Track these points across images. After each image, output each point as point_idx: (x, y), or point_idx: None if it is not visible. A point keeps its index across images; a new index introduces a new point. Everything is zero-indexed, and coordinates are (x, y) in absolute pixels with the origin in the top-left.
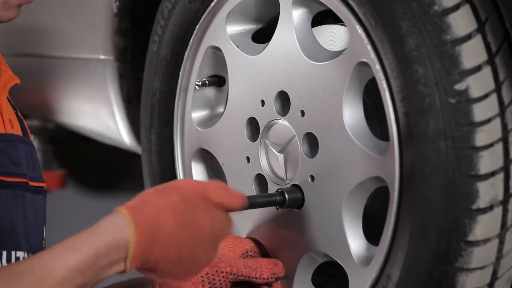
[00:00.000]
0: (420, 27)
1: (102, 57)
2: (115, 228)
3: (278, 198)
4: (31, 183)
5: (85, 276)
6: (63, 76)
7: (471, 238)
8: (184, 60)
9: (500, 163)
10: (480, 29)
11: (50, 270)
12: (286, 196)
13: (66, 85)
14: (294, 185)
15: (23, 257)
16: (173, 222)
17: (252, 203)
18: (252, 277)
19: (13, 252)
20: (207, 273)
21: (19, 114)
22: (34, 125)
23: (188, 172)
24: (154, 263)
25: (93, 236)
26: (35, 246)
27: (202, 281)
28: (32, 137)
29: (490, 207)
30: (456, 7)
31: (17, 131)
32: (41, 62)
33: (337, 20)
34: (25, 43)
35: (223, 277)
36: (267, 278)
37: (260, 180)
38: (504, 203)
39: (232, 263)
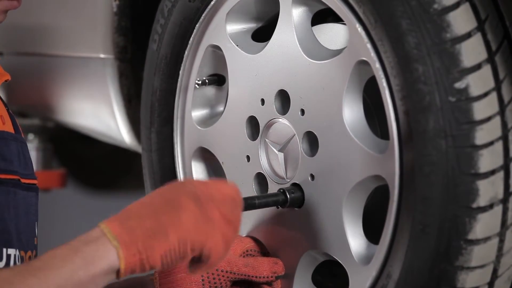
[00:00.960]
0: (420, 25)
1: (102, 55)
2: (108, 265)
3: (280, 198)
4: (23, 180)
5: (67, 260)
6: (63, 75)
7: (471, 236)
8: (184, 59)
9: (500, 161)
10: (480, 28)
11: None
12: (288, 196)
13: (66, 83)
14: (294, 184)
15: (15, 255)
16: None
17: (253, 204)
18: (252, 276)
19: (4, 249)
20: (207, 272)
21: (10, 111)
22: (34, 124)
23: (188, 171)
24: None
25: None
26: (26, 244)
27: (202, 280)
28: (23, 135)
29: (490, 206)
30: (456, 6)
31: (9, 128)
32: (41, 61)
33: (336, 19)
34: (26, 42)
35: (223, 276)
36: (267, 277)
37: (260, 179)
38: (504, 201)
39: (232, 262)
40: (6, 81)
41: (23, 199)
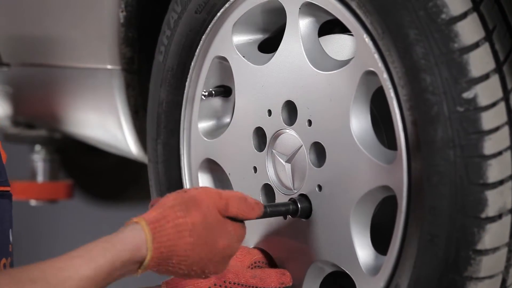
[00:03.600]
0: (428, 35)
1: (109, 67)
2: (134, 243)
3: (291, 207)
4: None
5: (97, 284)
6: (70, 86)
7: (480, 247)
8: (191, 70)
9: (508, 171)
10: (488, 38)
11: (64, 278)
12: (299, 206)
13: (73, 95)
14: (302, 195)
15: None
16: (190, 242)
17: (266, 213)
18: None
19: None
20: (215, 284)
21: None
22: (41, 135)
23: (194, 182)
24: (163, 271)
25: (111, 249)
26: (0, 250)
27: None
28: (1, 146)
29: (499, 216)
30: (463, 16)
31: None
32: (49, 72)
33: (343, 30)
34: (33, 53)
35: (231, 287)
36: None
37: (267, 190)
38: None
39: (239, 273)
40: None
41: None
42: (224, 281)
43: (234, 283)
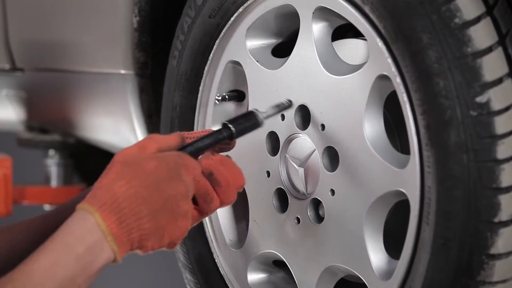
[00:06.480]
0: (441, 39)
1: (122, 71)
2: (86, 231)
3: (225, 133)
4: None
5: (67, 269)
6: (84, 91)
7: (493, 251)
8: (204, 75)
9: None
10: (501, 42)
11: (28, 274)
12: (232, 128)
13: (87, 99)
14: (314, 199)
15: None
16: (127, 188)
17: (199, 148)
18: None
19: None
20: None
21: None
22: (55, 140)
23: None
24: (138, 236)
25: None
26: None
27: None
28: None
29: None
30: (477, 20)
31: None
32: (62, 77)
33: (357, 34)
34: (47, 58)
35: None
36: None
37: (280, 194)
38: None
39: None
40: None
41: None
42: None
43: None
